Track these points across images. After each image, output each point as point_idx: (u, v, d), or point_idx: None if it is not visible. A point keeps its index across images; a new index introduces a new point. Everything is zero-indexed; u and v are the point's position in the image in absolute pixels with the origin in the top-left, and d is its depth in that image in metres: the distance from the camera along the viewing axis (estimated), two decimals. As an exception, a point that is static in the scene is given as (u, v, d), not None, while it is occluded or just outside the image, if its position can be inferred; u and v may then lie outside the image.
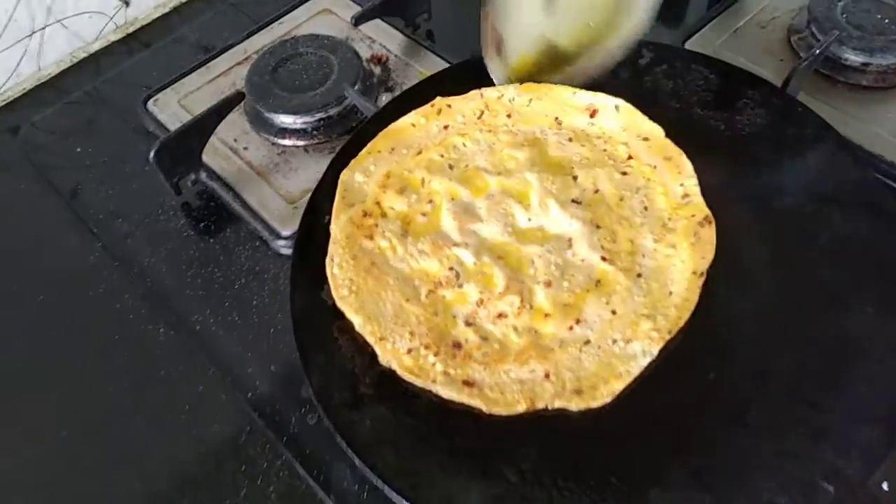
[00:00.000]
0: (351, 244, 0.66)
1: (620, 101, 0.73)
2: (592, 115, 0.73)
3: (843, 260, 0.62)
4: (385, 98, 0.87)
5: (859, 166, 0.67)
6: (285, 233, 0.75)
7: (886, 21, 0.85)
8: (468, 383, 0.58)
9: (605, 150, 0.72)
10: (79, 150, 0.87)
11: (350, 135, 0.77)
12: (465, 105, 0.75)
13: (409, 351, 0.59)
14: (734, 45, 0.89)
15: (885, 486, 0.60)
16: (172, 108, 0.88)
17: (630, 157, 0.71)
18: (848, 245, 0.63)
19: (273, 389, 0.67)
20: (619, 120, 0.73)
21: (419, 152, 0.72)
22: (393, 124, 0.74)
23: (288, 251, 0.75)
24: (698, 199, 0.68)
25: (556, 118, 0.74)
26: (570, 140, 0.72)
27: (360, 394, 0.58)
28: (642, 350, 0.59)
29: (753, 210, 0.68)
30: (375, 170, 0.71)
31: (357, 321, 0.62)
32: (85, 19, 0.99)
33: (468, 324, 0.62)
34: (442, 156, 0.72)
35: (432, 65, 0.90)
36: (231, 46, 0.94)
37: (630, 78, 0.76)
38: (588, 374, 0.58)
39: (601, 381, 0.58)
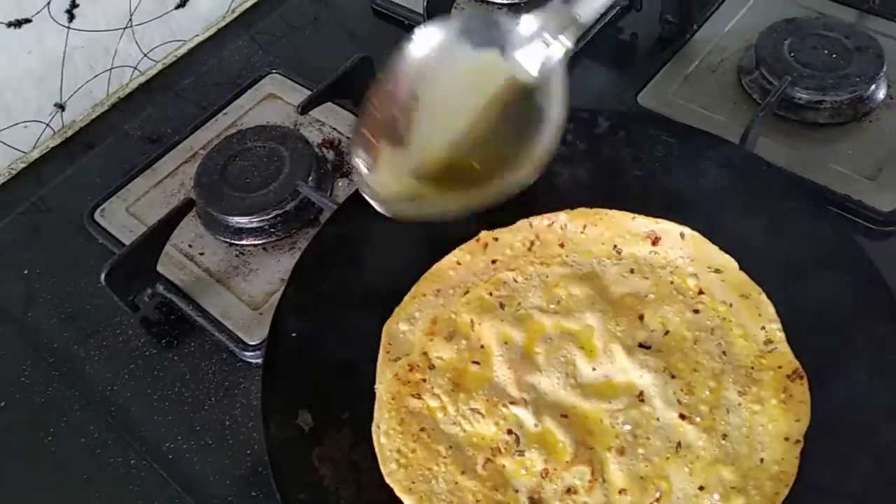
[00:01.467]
0: (398, 406, 0.59)
1: (686, 229, 0.65)
2: (655, 243, 0.66)
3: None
4: (341, 184, 0.81)
5: (833, 224, 0.63)
6: (252, 342, 0.69)
7: (834, 56, 0.80)
8: None
9: (671, 283, 0.64)
10: (27, 271, 0.80)
11: (311, 228, 0.76)
12: (513, 237, 0.68)
13: None
14: (687, 92, 0.83)
15: None
16: (121, 218, 0.80)
17: (701, 292, 0.63)
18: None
19: None
20: (686, 249, 0.65)
21: (466, 291, 0.66)
22: (437, 264, 0.67)
23: (257, 360, 0.68)
24: (784, 347, 0.59)
25: (615, 246, 0.66)
26: (632, 271, 0.65)
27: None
28: None
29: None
30: (421, 315, 0.64)
31: (409, 501, 0.55)
32: (20, 129, 0.90)
33: (533, 500, 0.54)
34: (491, 294, 0.65)
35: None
36: (176, 144, 0.86)
37: (588, 148, 0.70)
38: None
39: None
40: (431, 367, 0.62)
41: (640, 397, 0.58)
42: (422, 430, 0.58)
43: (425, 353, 0.62)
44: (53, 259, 0.81)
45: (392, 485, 0.56)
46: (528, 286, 0.66)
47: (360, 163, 0.56)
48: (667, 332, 0.61)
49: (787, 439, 0.55)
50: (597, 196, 0.69)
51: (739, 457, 0.55)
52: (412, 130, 0.57)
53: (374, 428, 0.58)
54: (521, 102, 0.56)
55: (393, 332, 0.64)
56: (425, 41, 0.57)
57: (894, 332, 0.55)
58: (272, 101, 0.90)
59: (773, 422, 0.56)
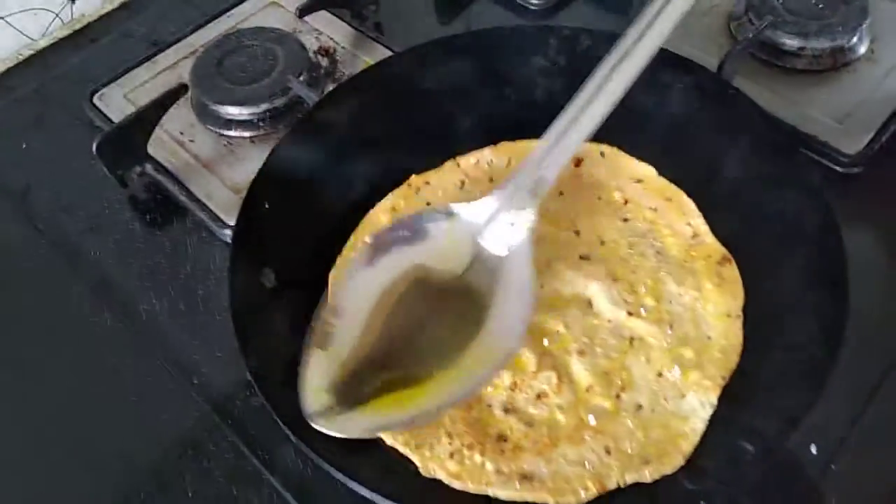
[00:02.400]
0: None
1: (604, 147, 0.68)
2: (578, 165, 0.68)
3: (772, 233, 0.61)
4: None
5: (788, 145, 0.65)
6: (231, 221, 0.71)
7: (821, 6, 0.82)
8: (526, 477, 0.52)
9: (599, 198, 0.67)
10: (25, 146, 0.84)
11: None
12: (444, 178, 0.70)
13: (452, 455, 0.53)
14: (674, 33, 0.94)
15: (813, 449, 0.60)
16: (118, 103, 0.83)
17: (627, 202, 0.66)
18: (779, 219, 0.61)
19: (218, 374, 0.65)
20: (607, 166, 0.68)
21: None
22: (371, 212, 0.68)
23: (234, 239, 0.71)
24: (710, 238, 0.63)
25: None
26: (562, 194, 0.67)
27: (298, 373, 0.55)
28: (700, 403, 0.54)
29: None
30: None
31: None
32: (30, 16, 0.93)
33: (507, 411, 0.56)
34: None
35: (380, 56, 0.85)
36: (178, 40, 0.89)
37: (567, 64, 0.72)
38: (651, 441, 0.53)
39: (668, 444, 0.53)
40: None
41: (589, 304, 0.61)
42: None
43: None
44: (52, 141, 0.85)
45: None
46: None
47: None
48: (602, 243, 0.64)
49: (728, 315, 0.59)
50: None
51: (689, 339, 0.58)
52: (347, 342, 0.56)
53: None
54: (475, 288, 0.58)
55: (338, 281, 0.63)
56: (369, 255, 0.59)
57: (814, 206, 0.59)
58: (274, 9, 0.93)
59: (712, 303, 0.60)
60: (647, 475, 0.52)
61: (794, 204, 0.61)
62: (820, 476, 0.57)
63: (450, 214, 0.61)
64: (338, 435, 0.52)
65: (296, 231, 0.64)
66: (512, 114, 0.73)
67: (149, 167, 0.77)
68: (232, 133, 0.80)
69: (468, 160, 0.71)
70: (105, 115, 0.83)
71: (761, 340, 0.57)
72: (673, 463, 0.52)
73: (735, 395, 0.55)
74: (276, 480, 0.60)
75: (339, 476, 0.50)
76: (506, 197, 0.60)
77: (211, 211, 0.74)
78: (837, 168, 0.75)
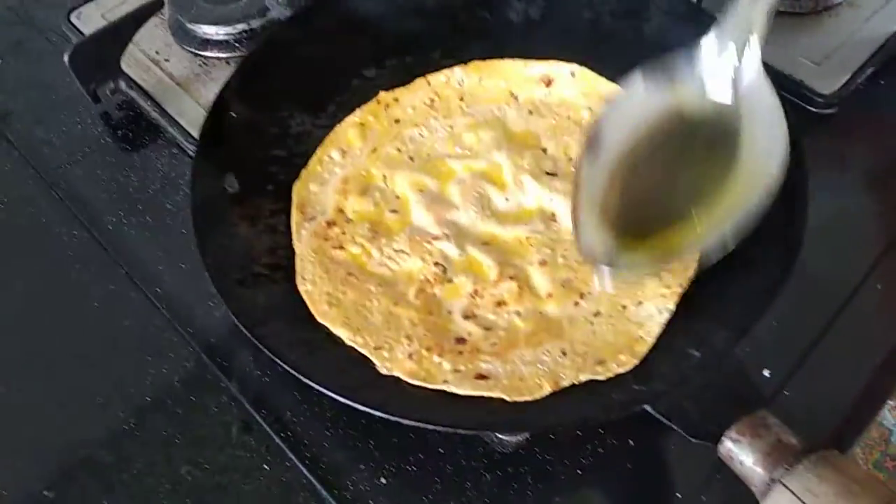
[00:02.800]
0: (320, 258, 0.59)
1: (575, 67, 0.68)
2: (549, 85, 0.68)
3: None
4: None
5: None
6: None
7: None
8: (483, 376, 0.53)
9: (568, 118, 0.67)
10: (2, 64, 0.84)
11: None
12: (413, 96, 0.69)
13: (411, 356, 0.54)
14: None
15: (766, 373, 0.61)
16: (96, 22, 0.82)
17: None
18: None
19: (181, 285, 0.65)
20: (577, 86, 0.68)
21: (374, 150, 0.66)
22: (338, 127, 0.67)
23: (204, 156, 0.71)
24: None
25: (511, 93, 0.69)
26: (531, 113, 0.67)
27: (255, 273, 0.57)
28: (657, 310, 0.55)
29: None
30: (330, 177, 0.64)
31: (345, 335, 0.55)
32: None
33: (467, 317, 0.57)
34: (399, 150, 0.66)
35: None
36: None
37: None
38: (606, 345, 0.54)
39: (623, 347, 0.54)
40: (349, 221, 0.62)
41: (553, 218, 0.62)
42: (349, 274, 0.59)
43: (341, 210, 0.63)
44: (29, 59, 0.85)
45: (326, 323, 0.56)
46: (435, 138, 0.67)
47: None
48: (570, 159, 0.65)
49: None
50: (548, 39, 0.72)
51: None
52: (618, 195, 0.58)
53: (298, 279, 0.59)
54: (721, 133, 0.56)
55: (304, 194, 0.64)
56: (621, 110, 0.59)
57: None
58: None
59: None
60: (601, 373, 0.53)
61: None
62: (772, 399, 0.58)
63: (671, 66, 0.59)
64: (626, 274, 0.56)
65: (262, 141, 0.64)
66: (486, 32, 0.73)
67: (122, 83, 0.77)
68: (208, 53, 0.80)
69: (438, 78, 0.70)
70: (82, 34, 0.82)
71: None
72: (626, 363, 0.53)
73: (688, 305, 0.55)
74: (233, 387, 0.61)
75: (295, 374, 0.50)
76: (726, 30, 0.57)
77: (182, 128, 0.74)
78: (812, 108, 0.75)
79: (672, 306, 0.55)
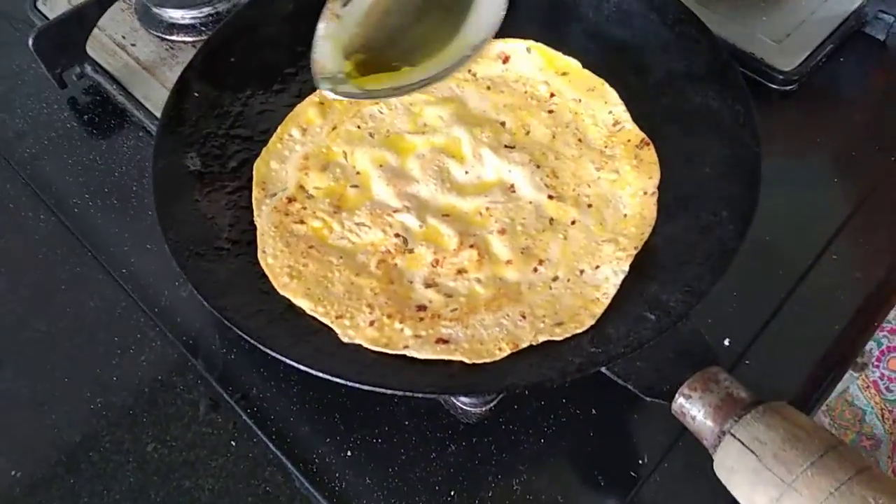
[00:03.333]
0: (281, 232, 0.59)
1: (531, 42, 0.69)
2: (505, 62, 0.69)
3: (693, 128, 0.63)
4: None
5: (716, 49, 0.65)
6: None
7: None
8: (443, 341, 0.53)
9: (525, 92, 0.68)
10: None
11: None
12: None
13: (372, 323, 0.54)
14: None
15: (726, 342, 0.61)
16: (62, 8, 0.81)
17: (553, 95, 0.67)
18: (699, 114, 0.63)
19: (148, 266, 0.65)
20: (533, 61, 0.69)
21: (334, 127, 0.66)
22: (298, 106, 0.67)
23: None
24: (630, 125, 0.64)
25: (469, 70, 0.69)
26: (489, 89, 0.68)
27: (217, 247, 0.57)
28: (613, 271, 0.56)
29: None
30: (290, 154, 0.64)
31: (306, 305, 0.55)
32: None
33: (428, 285, 0.57)
34: (359, 126, 0.66)
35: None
36: None
37: None
38: (564, 308, 0.55)
39: (580, 309, 0.55)
40: (310, 196, 0.62)
41: (511, 189, 0.63)
42: (310, 247, 0.59)
43: (301, 186, 0.63)
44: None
45: (287, 294, 0.56)
46: (394, 115, 0.68)
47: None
48: (527, 133, 0.66)
49: (644, 193, 0.61)
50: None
51: (605, 218, 0.60)
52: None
53: (259, 254, 0.59)
54: None
55: (264, 171, 0.63)
56: None
57: (735, 99, 0.62)
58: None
59: (630, 184, 0.62)
60: (559, 334, 0.53)
61: (716, 100, 0.62)
62: (732, 369, 0.59)
63: None
64: (342, 98, 0.66)
65: (224, 120, 0.65)
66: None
67: (88, 68, 0.77)
68: (174, 38, 0.80)
69: None
70: (48, 20, 0.82)
71: (675, 222, 0.59)
72: (583, 324, 0.54)
73: (645, 271, 0.56)
74: (199, 365, 0.61)
75: (255, 343, 0.50)
76: None
77: (149, 111, 0.74)
78: (772, 85, 0.76)
79: (626, 267, 0.56)
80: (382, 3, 0.70)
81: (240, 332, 0.50)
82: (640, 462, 0.56)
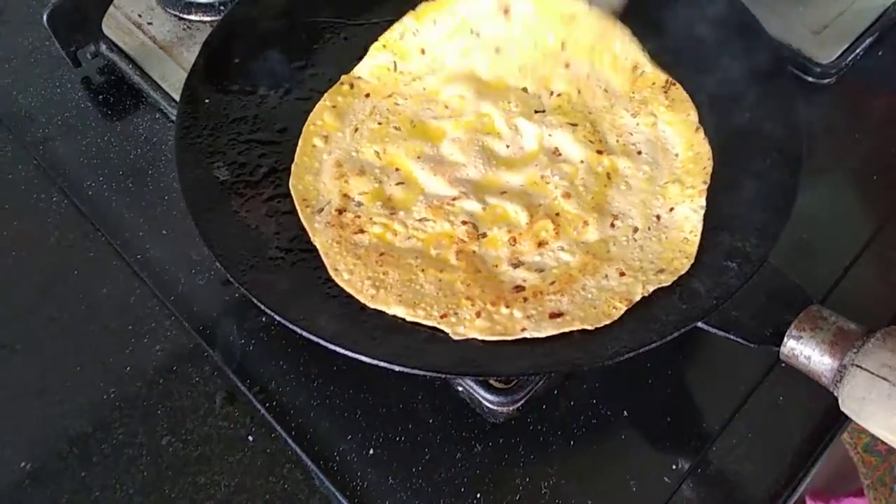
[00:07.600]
0: (346, 246, 0.57)
1: None
2: (507, 13, 0.66)
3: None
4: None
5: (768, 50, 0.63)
6: None
7: None
8: (555, 315, 0.52)
9: (535, 46, 0.65)
10: None
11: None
12: (374, 65, 0.67)
13: (479, 314, 0.52)
14: None
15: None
16: None
17: (564, 46, 0.65)
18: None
19: (163, 252, 0.64)
20: (534, 9, 0.65)
21: (355, 129, 0.64)
22: (312, 113, 0.64)
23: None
24: (650, 67, 0.64)
25: (472, 31, 0.66)
26: (497, 51, 0.66)
27: (271, 257, 0.54)
28: (691, 210, 0.57)
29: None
30: (322, 165, 0.62)
31: (403, 312, 0.53)
32: None
33: (515, 265, 0.56)
34: (380, 123, 0.64)
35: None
36: None
37: None
38: (657, 255, 0.55)
39: (676, 252, 0.55)
40: (359, 204, 0.60)
41: (556, 152, 0.61)
42: (381, 254, 0.56)
43: (345, 195, 0.60)
44: (9, 26, 0.82)
45: (378, 306, 0.53)
46: (412, 103, 0.65)
47: None
48: (552, 94, 0.64)
49: (688, 129, 0.61)
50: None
51: (660, 162, 0.61)
52: None
53: (332, 272, 0.55)
54: None
55: (301, 188, 0.60)
56: None
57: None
58: None
59: (670, 125, 0.62)
60: (665, 280, 0.53)
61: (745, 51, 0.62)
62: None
63: None
64: None
65: (240, 125, 0.62)
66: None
67: (103, 47, 0.75)
68: (192, 17, 0.77)
69: (392, 36, 0.67)
70: None
71: (724, 168, 0.58)
72: (683, 265, 0.54)
73: (710, 222, 0.56)
74: (217, 356, 0.59)
75: (355, 355, 0.48)
76: None
77: (165, 92, 0.72)
78: (809, 78, 0.73)
79: (703, 202, 0.57)
80: None
81: (322, 342, 0.48)
82: (674, 468, 0.54)
